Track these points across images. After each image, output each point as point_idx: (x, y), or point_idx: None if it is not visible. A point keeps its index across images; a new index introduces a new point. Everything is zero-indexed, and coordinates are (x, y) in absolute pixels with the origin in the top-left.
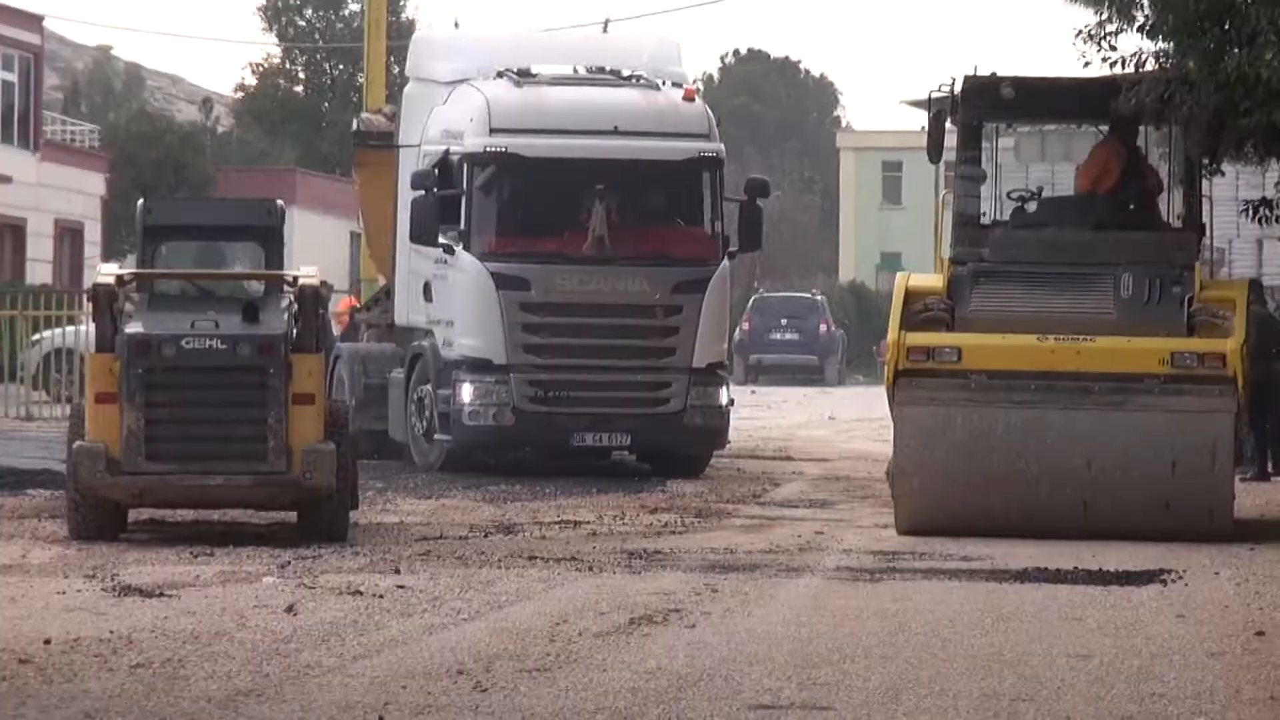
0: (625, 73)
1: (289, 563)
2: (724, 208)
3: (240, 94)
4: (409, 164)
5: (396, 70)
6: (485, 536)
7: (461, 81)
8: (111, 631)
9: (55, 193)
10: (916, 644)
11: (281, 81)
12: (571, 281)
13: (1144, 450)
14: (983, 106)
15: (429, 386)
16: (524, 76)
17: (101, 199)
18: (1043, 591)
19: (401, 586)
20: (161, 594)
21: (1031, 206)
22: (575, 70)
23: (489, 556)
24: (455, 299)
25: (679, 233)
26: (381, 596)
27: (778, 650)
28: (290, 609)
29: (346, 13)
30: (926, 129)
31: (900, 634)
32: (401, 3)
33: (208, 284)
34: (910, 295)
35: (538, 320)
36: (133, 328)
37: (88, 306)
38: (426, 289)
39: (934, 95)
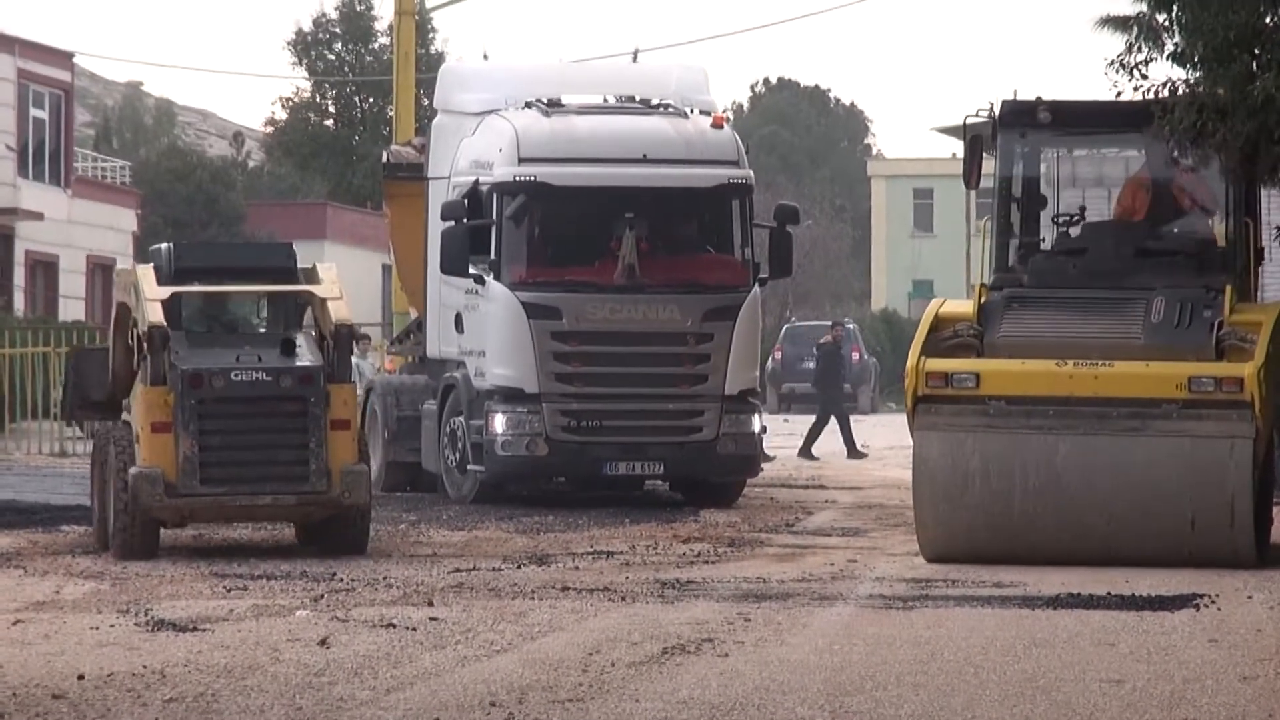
0: (653, 101)
1: (322, 596)
2: (754, 234)
3: (271, 128)
4: (439, 196)
5: (426, 103)
6: (518, 568)
7: (489, 112)
8: (144, 666)
9: (87, 229)
10: (949, 671)
11: (312, 115)
12: (603, 310)
13: (1162, 477)
14: (1020, 131)
15: (461, 418)
16: (552, 106)
17: (133, 235)
18: (1075, 617)
19: (434, 618)
20: (195, 628)
21: (1075, 231)
22: (604, 100)
23: (522, 588)
24: (487, 329)
25: (709, 260)
26: (414, 629)
27: (810, 679)
28: (323, 642)
29: (376, 46)
30: (962, 155)
31: (933, 661)
32: (430, 35)
33: (230, 320)
34: (940, 321)
35: (569, 349)
36: (185, 363)
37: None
38: (458, 320)
39: (969, 120)
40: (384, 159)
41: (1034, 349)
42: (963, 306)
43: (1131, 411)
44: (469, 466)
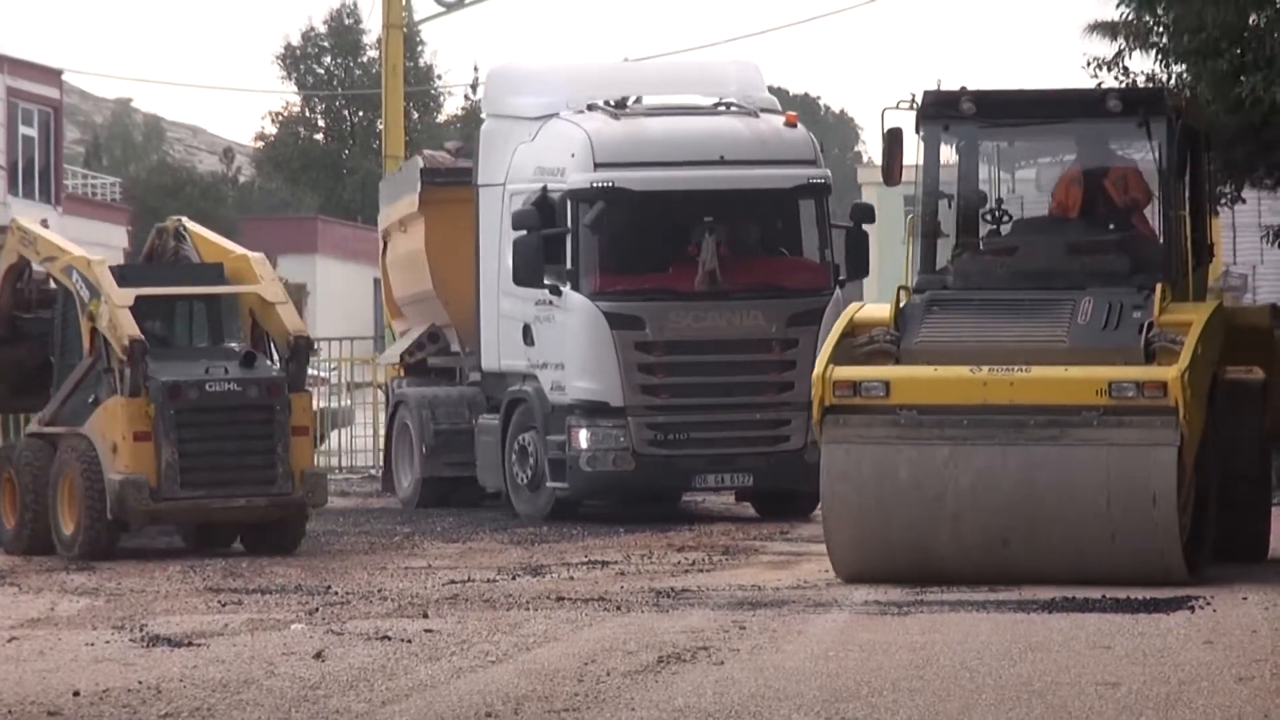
0: (715, 101)
1: (316, 609)
2: (831, 235)
3: (261, 143)
4: (491, 204)
5: (416, 116)
6: (513, 578)
7: (550, 116)
8: (140, 682)
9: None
10: (945, 676)
11: (301, 130)
12: (686, 318)
13: (1082, 488)
14: (944, 123)
15: (532, 434)
16: (619, 108)
17: (124, 251)
18: (1070, 621)
19: (429, 630)
20: (190, 643)
21: (1005, 230)
22: (669, 100)
23: (516, 598)
24: (565, 341)
25: (789, 263)
26: (409, 641)
27: (806, 686)
28: (318, 655)
29: (365, 59)
30: (882, 150)
31: (928, 667)
32: (419, 48)
33: (164, 336)
34: (856, 327)
35: (653, 359)
36: (161, 375)
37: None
38: (527, 331)
39: (888, 111)
40: (420, 164)
41: (952, 355)
42: (880, 311)
43: (1049, 419)
44: (548, 484)
